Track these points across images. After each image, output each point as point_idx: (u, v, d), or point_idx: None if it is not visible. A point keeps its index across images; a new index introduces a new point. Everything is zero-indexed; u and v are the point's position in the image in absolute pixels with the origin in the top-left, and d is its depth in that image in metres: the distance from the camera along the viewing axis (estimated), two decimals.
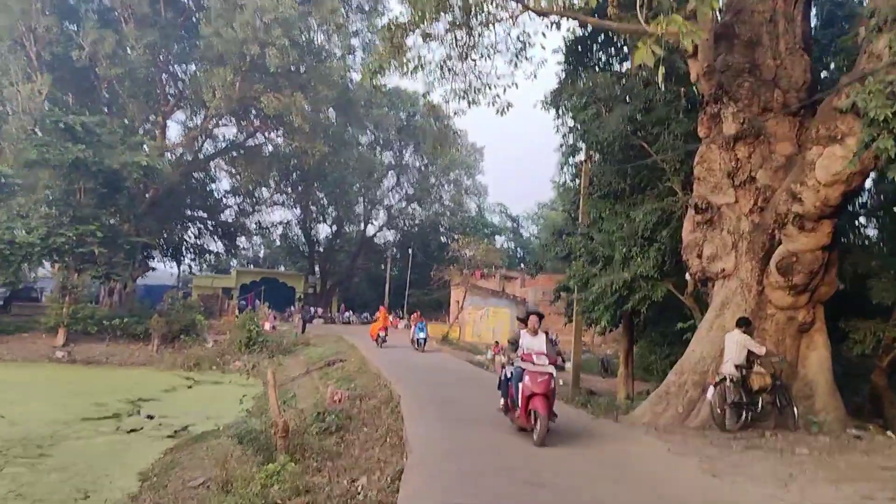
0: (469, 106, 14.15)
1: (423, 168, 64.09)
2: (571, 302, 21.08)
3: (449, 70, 13.85)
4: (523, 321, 11.27)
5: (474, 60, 13.62)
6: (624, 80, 18.16)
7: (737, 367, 11.01)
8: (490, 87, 14.04)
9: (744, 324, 11.24)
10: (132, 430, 18.80)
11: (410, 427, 11.12)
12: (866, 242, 16.01)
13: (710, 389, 11.02)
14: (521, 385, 9.81)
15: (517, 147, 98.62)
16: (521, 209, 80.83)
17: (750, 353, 11.11)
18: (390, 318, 54.10)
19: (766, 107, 11.68)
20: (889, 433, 11.04)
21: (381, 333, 30.15)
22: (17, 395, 22.80)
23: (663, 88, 14.33)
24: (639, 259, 15.21)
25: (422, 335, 28.62)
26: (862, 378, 14.65)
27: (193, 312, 39.71)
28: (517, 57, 16.46)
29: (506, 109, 14.29)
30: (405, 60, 12.94)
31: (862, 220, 16.63)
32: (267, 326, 40.21)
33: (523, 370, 9.88)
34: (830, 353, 11.69)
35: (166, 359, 33.71)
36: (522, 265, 59.24)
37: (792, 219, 10.88)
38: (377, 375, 20.76)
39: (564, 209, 22.79)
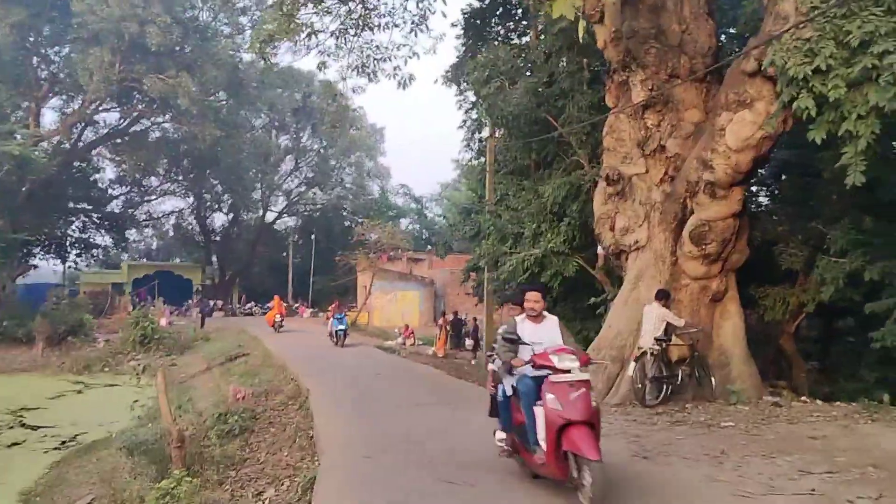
0: (369, 80, 13.34)
1: (322, 151, 62.51)
2: (482, 281, 20.68)
3: (345, 43, 12.95)
4: (517, 303, 8.30)
5: (371, 29, 12.78)
6: (525, 52, 17.74)
7: (656, 340, 10.78)
8: (389, 59, 13.27)
9: (663, 297, 11.01)
10: (13, 444, 17.11)
11: (321, 424, 10.33)
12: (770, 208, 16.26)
13: (631, 365, 10.75)
14: (541, 409, 5.95)
15: (418, 127, 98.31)
16: (425, 190, 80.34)
17: (668, 325, 10.90)
18: (295, 305, 53.32)
19: (674, 73, 11.43)
20: (804, 398, 11.11)
21: (277, 319, 33.64)
22: None
23: (581, 42, 13.89)
24: (549, 235, 14.88)
25: (341, 327, 25.63)
26: (767, 344, 14.85)
27: (81, 311, 37.43)
28: (417, 27, 15.78)
29: (408, 82, 13.60)
30: (296, 26, 11.96)
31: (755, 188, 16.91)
32: (163, 322, 38.20)
33: (540, 381, 6.09)
34: (744, 321, 11.65)
35: (53, 363, 31.36)
36: (429, 246, 58.84)
37: (703, 186, 10.69)
38: (283, 368, 19.79)
39: (470, 188, 22.32)
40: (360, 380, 16.78)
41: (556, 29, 15.25)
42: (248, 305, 54.77)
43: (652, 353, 10.69)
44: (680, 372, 10.93)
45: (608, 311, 14.67)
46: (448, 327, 28.36)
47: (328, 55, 13.51)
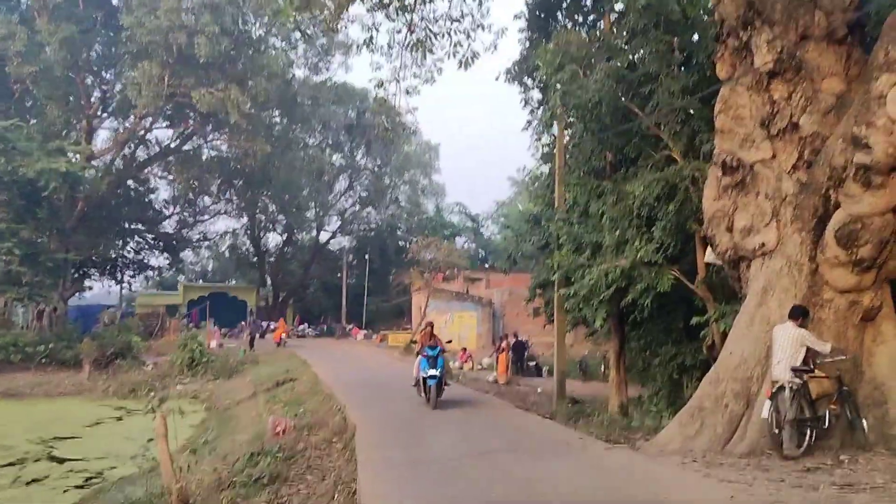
0: (423, 56, 11.31)
1: (376, 169, 61.18)
2: (550, 300, 18.36)
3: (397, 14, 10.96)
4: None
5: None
6: (601, 38, 15.54)
7: (794, 370, 8.36)
8: (448, 34, 11.23)
9: (800, 314, 8.59)
10: (34, 481, 15.45)
11: (366, 480, 8.21)
12: None
13: (766, 404, 8.32)
14: None
15: (474, 145, 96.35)
16: (481, 209, 78.21)
17: (808, 351, 8.47)
18: (349, 327, 51.78)
19: (805, 33, 9.10)
20: None
21: (283, 337, 37.92)
22: None
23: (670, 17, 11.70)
24: (637, 242, 12.54)
25: (433, 372, 14.80)
26: None
27: (130, 333, 36.40)
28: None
29: (471, 61, 11.53)
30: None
31: None
32: (213, 344, 37.04)
33: None
34: None
35: (99, 387, 30.19)
36: (487, 265, 56.67)
37: (854, 172, 8.27)
38: (330, 397, 17.85)
39: (538, 194, 20.10)
40: (414, 413, 14.65)
41: (641, 3, 13.05)
42: (301, 327, 53.38)
43: (791, 389, 8.27)
44: (827, 412, 8.44)
45: (710, 334, 12.28)
46: (510, 351, 26.08)
47: (376, 28, 11.64)
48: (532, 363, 29.12)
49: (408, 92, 18.72)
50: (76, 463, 17.26)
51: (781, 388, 8.33)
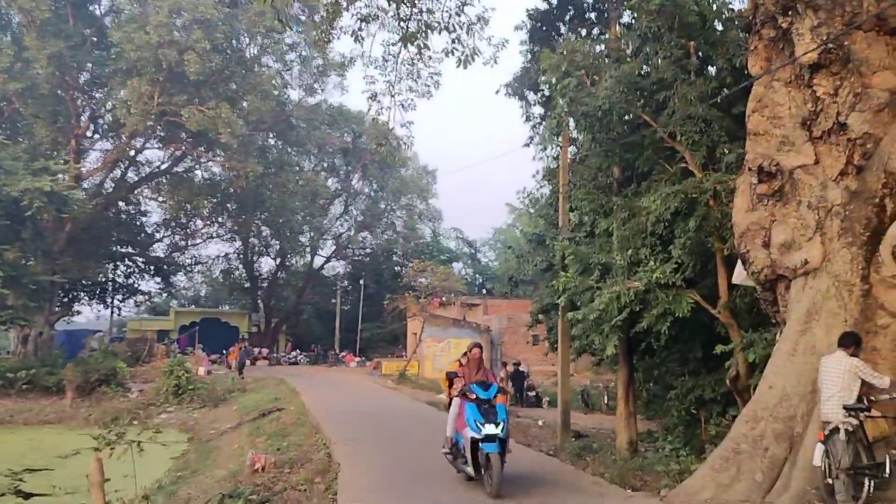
0: (419, 52, 10.22)
1: (372, 193, 60.31)
2: (553, 326, 17.16)
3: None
4: None
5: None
6: (608, 44, 14.54)
7: (847, 409, 7.16)
8: (448, 30, 10.16)
9: (852, 342, 7.40)
10: None
11: None
12: None
13: (818, 449, 7.08)
14: None
15: (472, 171, 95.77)
16: (478, 234, 77.22)
17: (863, 386, 7.28)
18: (342, 354, 50.45)
19: (852, 21, 8.03)
20: None
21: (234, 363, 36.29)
22: None
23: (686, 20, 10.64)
24: (652, 263, 11.38)
25: (495, 431, 9.02)
26: None
27: (115, 359, 35.17)
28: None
29: (471, 58, 10.46)
30: None
31: None
32: (201, 371, 35.84)
33: None
34: None
35: (80, 414, 28.92)
36: (484, 291, 55.49)
37: None
38: (316, 429, 16.58)
39: (541, 213, 18.99)
40: (406, 450, 13.39)
41: (654, 5, 12.04)
42: (293, 354, 52.06)
43: (848, 430, 7.05)
44: (887, 458, 7.20)
45: (735, 364, 11.07)
46: (509, 380, 24.80)
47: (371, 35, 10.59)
48: (532, 393, 27.85)
49: (403, 106, 17.70)
50: (43, 499, 15.98)
51: (835, 429, 7.12)
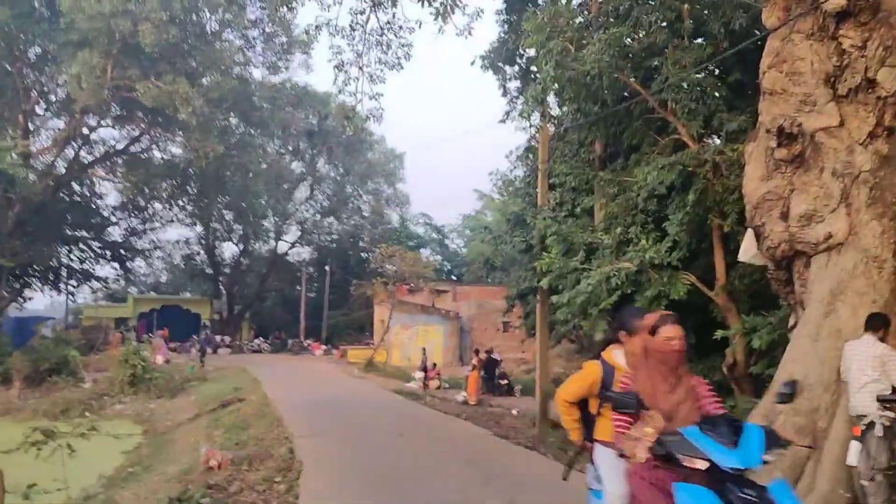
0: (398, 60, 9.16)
1: (338, 178, 58.85)
2: (530, 311, 16.26)
3: None
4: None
5: None
6: (594, 7, 13.58)
7: (881, 401, 6.33)
8: None
9: (881, 325, 6.59)
10: None
11: None
12: None
13: (853, 446, 6.25)
14: None
15: (439, 158, 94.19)
16: (445, 222, 76.16)
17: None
18: (307, 342, 49.20)
19: None
20: None
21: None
22: None
23: None
24: (645, 242, 10.51)
25: None
26: None
27: (68, 348, 33.65)
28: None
29: (449, 9, 9.40)
30: None
31: None
32: (159, 360, 34.41)
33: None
34: None
35: (30, 405, 27.44)
36: (453, 278, 54.58)
37: None
38: (278, 422, 15.51)
39: (519, 193, 18.01)
40: (374, 444, 12.40)
41: None
42: (256, 342, 50.74)
43: (884, 425, 6.22)
44: None
45: (733, 351, 10.26)
46: (481, 368, 23.91)
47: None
48: (504, 381, 27.03)
49: (372, 78, 16.63)
50: None
51: (871, 424, 6.29)
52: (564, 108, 14.96)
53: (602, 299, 10.91)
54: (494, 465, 10.28)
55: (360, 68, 16.27)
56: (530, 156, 16.78)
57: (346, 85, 16.05)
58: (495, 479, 9.00)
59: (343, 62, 16.39)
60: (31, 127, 36.73)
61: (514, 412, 19.62)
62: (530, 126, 16.09)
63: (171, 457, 16.30)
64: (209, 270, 59.56)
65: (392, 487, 8.88)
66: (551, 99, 14.22)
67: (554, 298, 12.54)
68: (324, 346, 47.38)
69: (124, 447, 18.62)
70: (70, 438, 21.14)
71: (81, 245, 45.97)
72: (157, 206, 49.33)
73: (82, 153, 40.39)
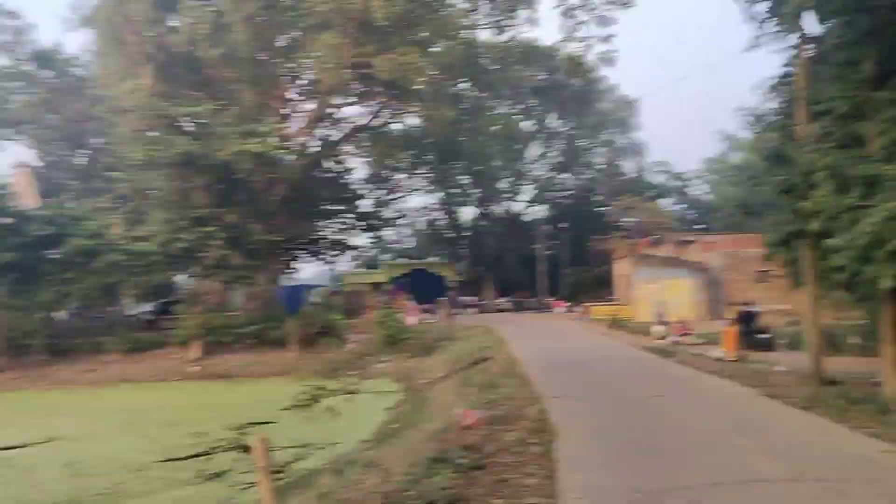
0: None
1: (570, 132, 57.66)
2: (795, 259, 14.46)
3: None
4: None
5: None
6: None
7: None
8: None
9: None
10: (215, 475, 14.43)
11: None
12: None
13: None
14: None
15: (675, 103, 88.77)
16: (686, 168, 71.61)
17: None
18: (549, 300, 49.36)
19: None
20: None
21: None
22: (110, 426, 19.53)
23: None
24: None
25: None
26: None
27: (332, 312, 36.69)
28: None
29: None
30: None
31: None
32: (411, 320, 36.20)
33: None
34: None
35: (306, 366, 30.37)
36: (697, 227, 51.36)
37: None
38: (527, 382, 15.43)
39: (772, 128, 16.05)
40: (630, 406, 11.76)
41: None
42: (499, 300, 51.80)
43: None
44: None
45: None
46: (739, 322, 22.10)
47: None
48: (764, 335, 24.80)
49: (600, 19, 15.65)
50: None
51: None
52: (825, 25, 12.91)
53: (890, 241, 9.21)
54: (770, 431, 9.21)
55: (589, 9, 15.39)
56: (786, 84, 14.77)
57: (574, 32, 15.24)
58: (775, 448, 8.01)
59: (570, 7, 15.55)
60: (284, 112, 40.11)
61: (780, 368, 17.88)
62: (786, 48, 14.10)
63: (428, 415, 16.93)
64: (451, 234, 61.72)
65: (656, 460, 8.24)
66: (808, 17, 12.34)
67: (827, 242, 10.88)
68: (565, 304, 47.15)
69: (386, 403, 19.83)
70: (339, 396, 23.00)
71: (337, 217, 49.72)
72: (399, 176, 51.90)
73: (331, 132, 43.51)
